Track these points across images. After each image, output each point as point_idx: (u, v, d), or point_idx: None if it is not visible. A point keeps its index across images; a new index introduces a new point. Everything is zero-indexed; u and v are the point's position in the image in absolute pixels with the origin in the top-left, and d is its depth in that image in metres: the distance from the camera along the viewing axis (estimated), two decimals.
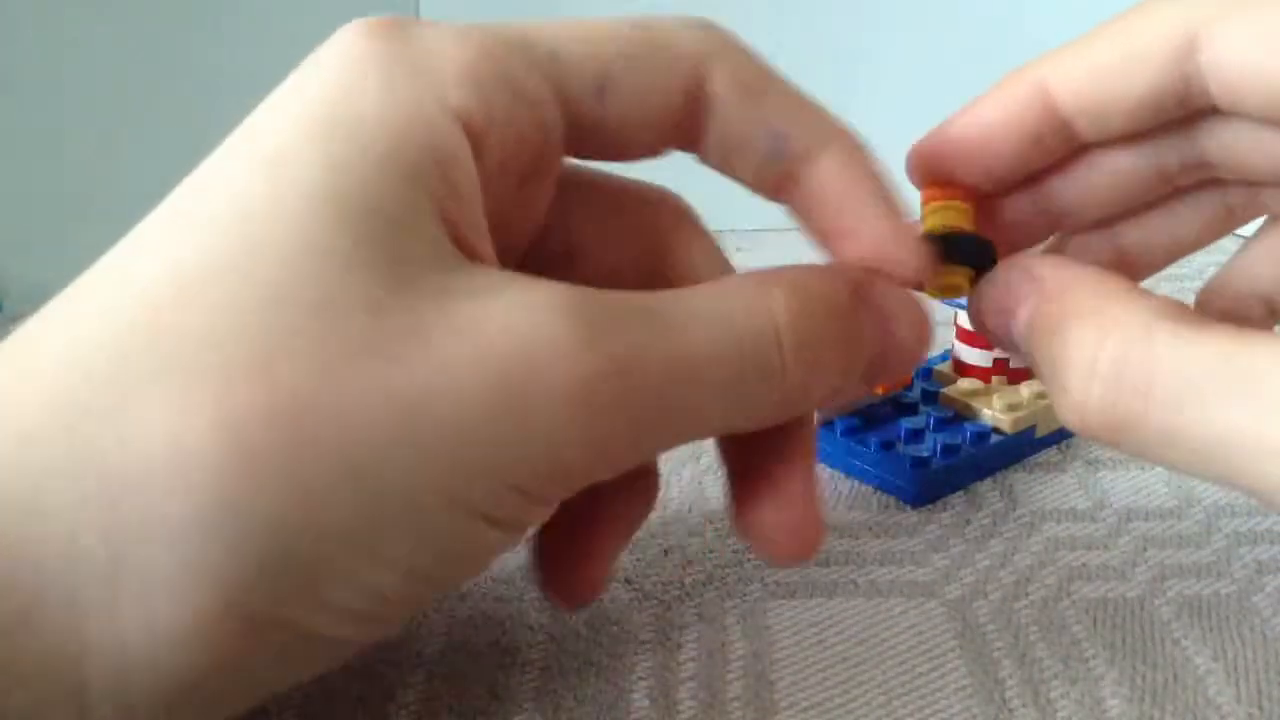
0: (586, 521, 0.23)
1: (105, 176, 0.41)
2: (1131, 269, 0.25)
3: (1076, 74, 0.22)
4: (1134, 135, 0.22)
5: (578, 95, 0.21)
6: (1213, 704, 0.23)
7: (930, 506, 0.30)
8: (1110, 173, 0.23)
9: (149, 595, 0.17)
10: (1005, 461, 0.31)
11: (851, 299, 0.21)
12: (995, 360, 0.33)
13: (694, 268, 0.24)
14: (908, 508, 0.29)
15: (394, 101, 0.19)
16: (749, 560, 0.27)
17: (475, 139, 0.20)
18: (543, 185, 0.22)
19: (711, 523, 0.29)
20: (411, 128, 0.19)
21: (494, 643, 0.25)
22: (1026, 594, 0.26)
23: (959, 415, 0.32)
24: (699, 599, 0.26)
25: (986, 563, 0.27)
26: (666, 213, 0.24)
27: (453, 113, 0.19)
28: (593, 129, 0.21)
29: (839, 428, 0.31)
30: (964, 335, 0.33)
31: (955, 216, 0.23)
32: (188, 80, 0.43)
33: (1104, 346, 0.19)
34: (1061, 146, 0.23)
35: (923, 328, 0.22)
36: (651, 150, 0.22)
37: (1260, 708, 0.22)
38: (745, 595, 0.26)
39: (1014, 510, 0.29)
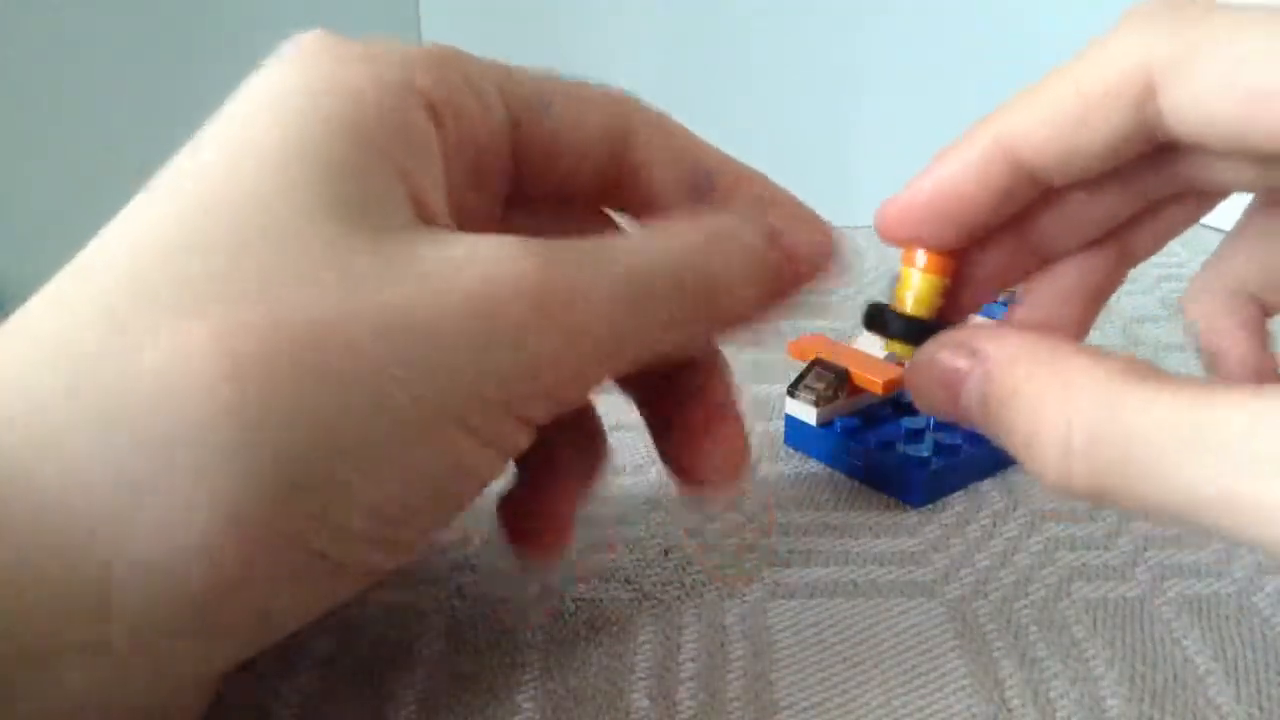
0: (545, 482, 0.25)
1: (105, 176, 0.41)
2: (1124, 260, 0.25)
3: (1038, 128, 0.22)
4: (1104, 174, 0.22)
5: (525, 105, 0.23)
6: (1213, 704, 0.23)
7: (930, 506, 0.30)
8: (1086, 206, 0.23)
9: (162, 515, 0.18)
10: (1005, 461, 0.31)
11: (766, 240, 0.24)
12: None
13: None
14: (909, 508, 0.29)
15: (352, 74, 0.21)
16: (749, 560, 0.27)
17: (434, 115, 0.21)
18: (493, 184, 0.24)
19: (711, 523, 0.29)
20: (373, 95, 0.21)
21: (494, 643, 0.25)
22: (1026, 594, 0.26)
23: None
24: (699, 599, 0.26)
25: (986, 563, 0.27)
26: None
27: (414, 86, 0.21)
28: (536, 143, 0.23)
29: (839, 427, 0.31)
30: None
31: (926, 289, 0.24)
32: (188, 80, 0.44)
33: (1074, 421, 0.19)
34: (1031, 193, 0.23)
35: (824, 243, 0.25)
36: (587, 185, 0.25)
37: (1260, 708, 0.22)
38: (745, 595, 0.26)
39: (1014, 510, 0.29)
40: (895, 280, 0.25)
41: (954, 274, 0.24)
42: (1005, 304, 0.30)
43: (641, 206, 0.25)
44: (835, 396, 0.31)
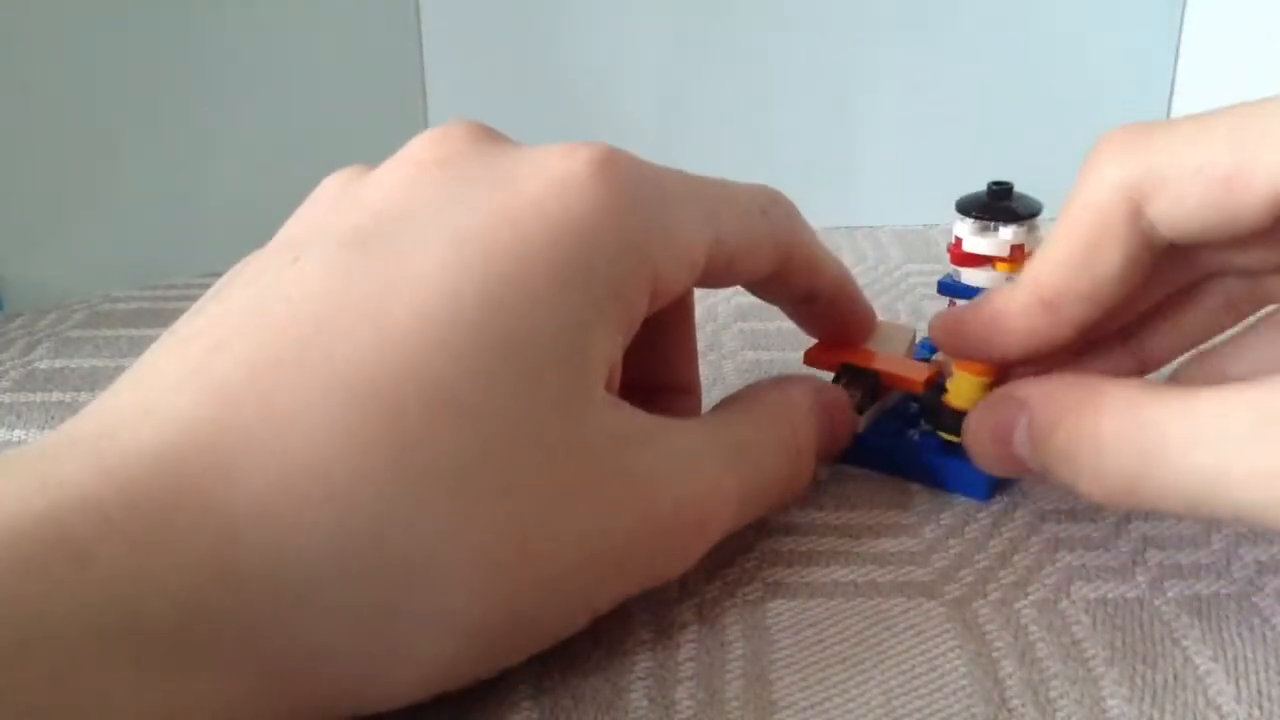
0: None
1: (105, 176, 0.41)
2: (1142, 368, 0.29)
3: (1060, 271, 0.25)
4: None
5: (718, 266, 0.25)
6: (1213, 704, 0.23)
7: (930, 507, 0.30)
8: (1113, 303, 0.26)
9: (376, 664, 0.19)
10: None
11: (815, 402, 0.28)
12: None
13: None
14: (907, 510, 0.29)
15: (619, 281, 0.22)
16: (748, 560, 0.27)
17: (654, 287, 0.23)
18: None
19: None
20: (626, 295, 0.22)
21: None
22: (1026, 594, 0.26)
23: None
24: (699, 599, 0.26)
25: (986, 563, 0.27)
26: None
27: (650, 280, 0.23)
28: (705, 277, 0.25)
29: (884, 431, 0.31)
30: None
31: (969, 388, 0.28)
32: (187, 80, 0.43)
33: (1103, 427, 0.22)
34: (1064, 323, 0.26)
35: (848, 420, 0.29)
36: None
37: (1260, 708, 0.22)
38: (745, 595, 0.26)
39: (1014, 510, 0.29)
40: (947, 379, 0.29)
41: (996, 372, 0.28)
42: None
43: (762, 294, 0.29)
44: (869, 402, 0.31)
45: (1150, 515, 0.29)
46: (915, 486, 0.30)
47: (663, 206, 0.23)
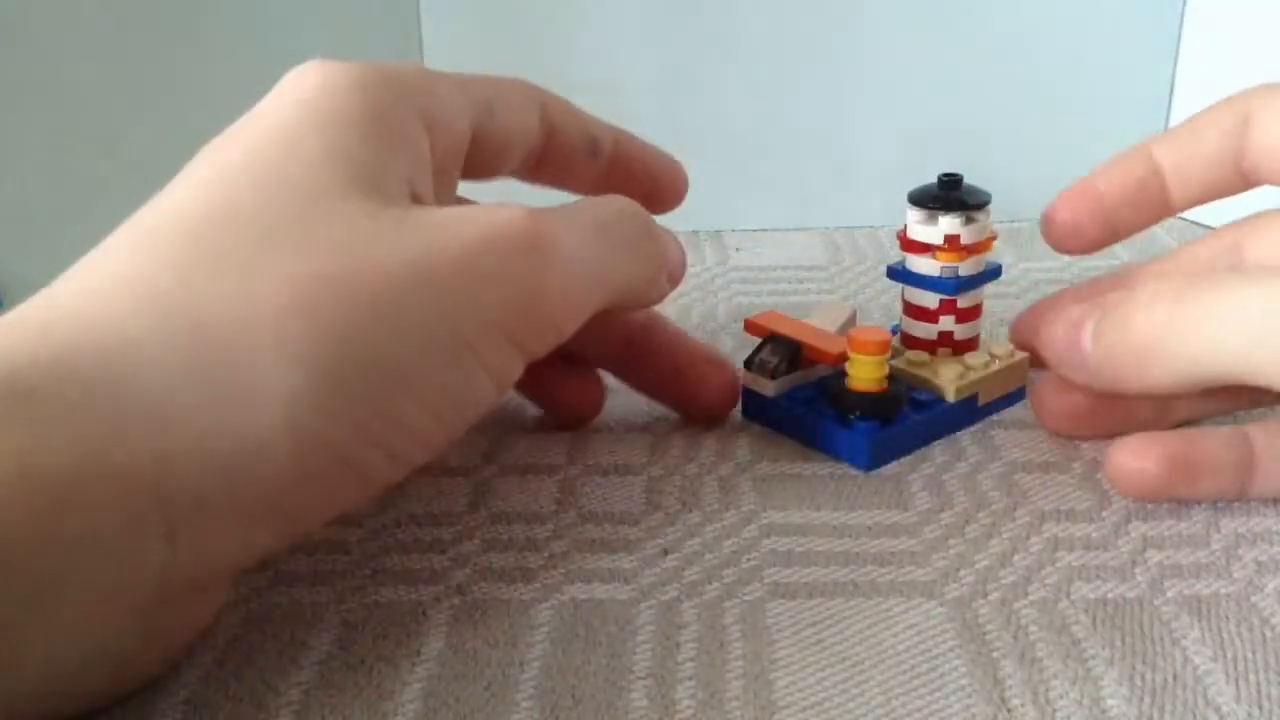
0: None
1: (105, 176, 0.41)
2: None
3: (1171, 135, 0.31)
4: (1206, 193, 0.31)
5: (478, 112, 0.28)
6: (1212, 704, 0.23)
7: (930, 506, 0.30)
8: (1175, 269, 0.32)
9: (228, 415, 0.21)
10: (950, 428, 0.33)
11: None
12: (940, 334, 0.33)
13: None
14: (907, 510, 0.29)
15: (369, 91, 0.26)
16: (749, 560, 0.27)
17: (428, 129, 0.26)
18: (452, 182, 0.29)
19: (710, 522, 0.29)
20: (390, 116, 0.26)
21: (493, 642, 0.25)
22: (1026, 594, 0.26)
23: (906, 385, 0.33)
24: (698, 599, 0.26)
25: (986, 563, 0.27)
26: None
27: (415, 105, 0.26)
28: (483, 141, 0.29)
29: (793, 397, 0.33)
30: (911, 310, 0.34)
31: (866, 369, 0.31)
32: (188, 81, 0.43)
33: (1120, 304, 0.29)
34: (1161, 201, 0.32)
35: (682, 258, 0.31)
36: (515, 169, 0.31)
37: (1260, 707, 0.22)
38: (745, 595, 0.26)
39: (1014, 510, 0.29)
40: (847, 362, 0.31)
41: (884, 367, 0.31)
42: (947, 284, 0.34)
43: (555, 172, 0.32)
44: (790, 369, 0.33)
45: (1150, 515, 0.29)
46: (915, 486, 0.30)
47: (406, 68, 0.27)
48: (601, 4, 0.48)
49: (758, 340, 0.34)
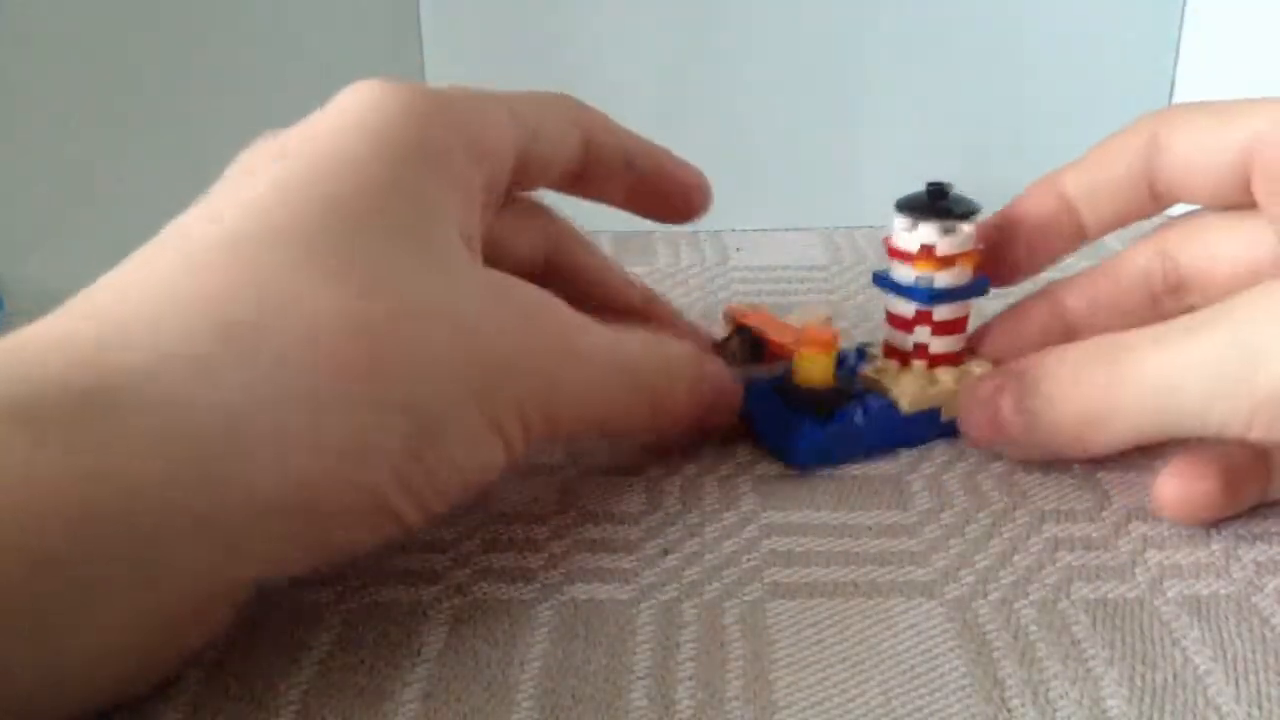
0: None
1: (105, 177, 0.41)
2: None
3: (1079, 165, 0.32)
4: (1120, 219, 0.32)
5: (523, 134, 0.29)
6: (1212, 704, 0.23)
7: (930, 506, 0.30)
8: (1107, 285, 0.32)
9: (283, 458, 0.22)
10: (907, 438, 0.32)
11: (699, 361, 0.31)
12: (916, 345, 0.33)
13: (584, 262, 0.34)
14: (907, 510, 0.29)
15: (433, 130, 0.26)
16: (749, 560, 0.27)
17: (477, 162, 0.27)
18: (495, 206, 0.29)
19: (710, 522, 0.29)
20: (447, 152, 0.26)
21: (493, 642, 0.25)
22: (1026, 594, 0.26)
23: (868, 391, 0.33)
24: (698, 599, 0.26)
25: (986, 563, 0.27)
26: (557, 223, 0.33)
27: (470, 144, 0.26)
28: (527, 163, 0.29)
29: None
30: (890, 318, 0.34)
31: (812, 366, 0.31)
32: (188, 81, 0.43)
33: (1049, 371, 0.28)
34: (1074, 231, 0.32)
35: (738, 389, 0.32)
36: (556, 181, 0.31)
37: (1260, 707, 0.22)
38: (745, 595, 0.26)
39: (1014, 510, 0.29)
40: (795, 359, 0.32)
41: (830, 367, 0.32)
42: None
43: (590, 187, 0.32)
44: (753, 359, 0.33)
45: (1150, 515, 0.29)
46: (915, 486, 0.30)
47: (458, 93, 0.28)
48: (602, 5, 0.48)
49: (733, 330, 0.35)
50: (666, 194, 0.34)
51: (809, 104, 0.51)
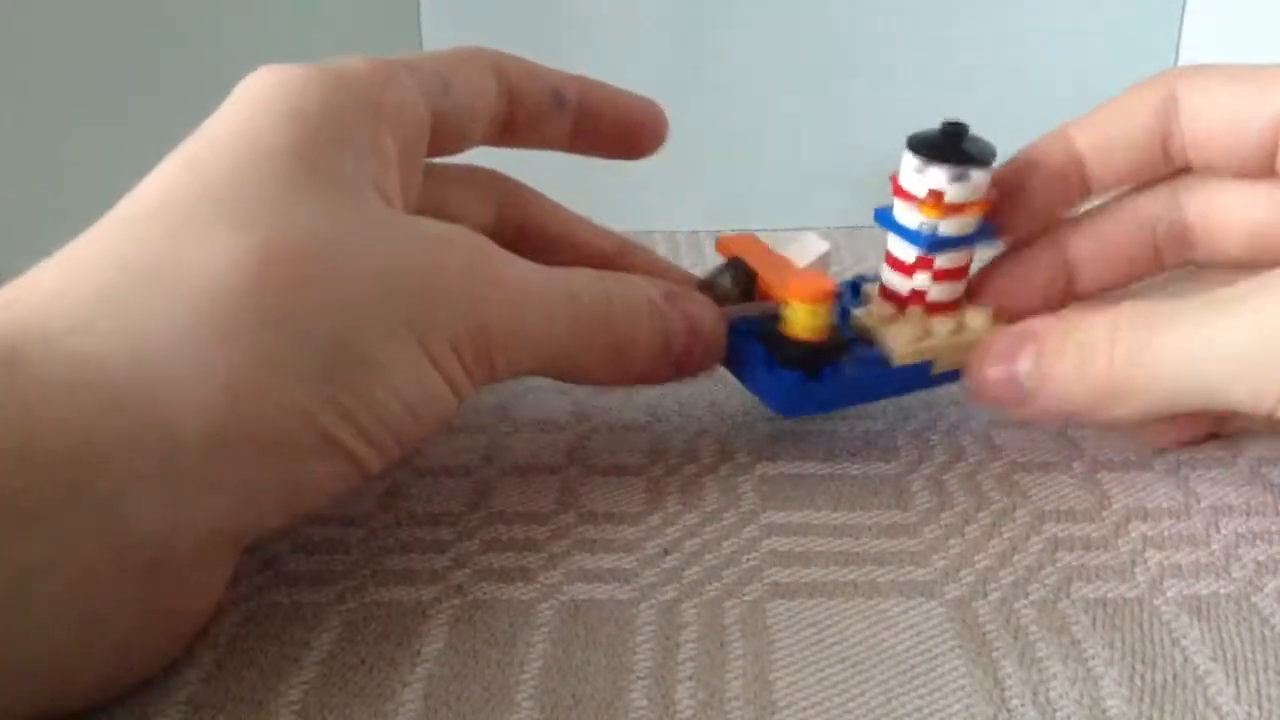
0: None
1: (105, 176, 0.41)
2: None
3: (1091, 119, 0.31)
4: (1130, 176, 0.31)
5: (433, 92, 0.28)
6: (1212, 704, 0.23)
7: (930, 506, 0.29)
8: (1111, 228, 0.32)
9: (203, 383, 0.22)
10: (896, 389, 0.32)
11: (665, 299, 0.29)
12: (913, 290, 0.31)
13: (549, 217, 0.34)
14: (907, 510, 0.29)
15: (334, 100, 0.26)
16: (749, 560, 0.27)
17: (389, 126, 0.27)
18: (418, 168, 0.29)
19: (710, 522, 0.29)
20: (348, 116, 0.26)
21: (494, 642, 0.25)
22: (1026, 594, 0.26)
23: (860, 339, 0.31)
24: (698, 599, 0.26)
25: (986, 563, 0.27)
26: (506, 183, 0.33)
27: (373, 103, 0.27)
28: (444, 119, 0.29)
29: (739, 327, 0.31)
30: (890, 259, 0.32)
31: (803, 316, 0.29)
32: (188, 81, 0.43)
33: (1120, 324, 0.27)
34: (1080, 185, 0.31)
35: (719, 329, 0.30)
36: (482, 137, 0.31)
37: (1259, 707, 0.22)
38: (745, 595, 0.26)
39: (1014, 510, 0.29)
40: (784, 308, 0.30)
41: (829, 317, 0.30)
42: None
43: (523, 133, 0.32)
44: (742, 298, 0.31)
45: (1150, 515, 0.29)
46: (915, 486, 0.30)
47: (360, 62, 0.27)
48: (602, 6, 0.48)
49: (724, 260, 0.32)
50: (608, 126, 0.33)
51: (808, 104, 0.51)
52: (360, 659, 0.24)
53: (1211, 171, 0.31)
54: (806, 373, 0.30)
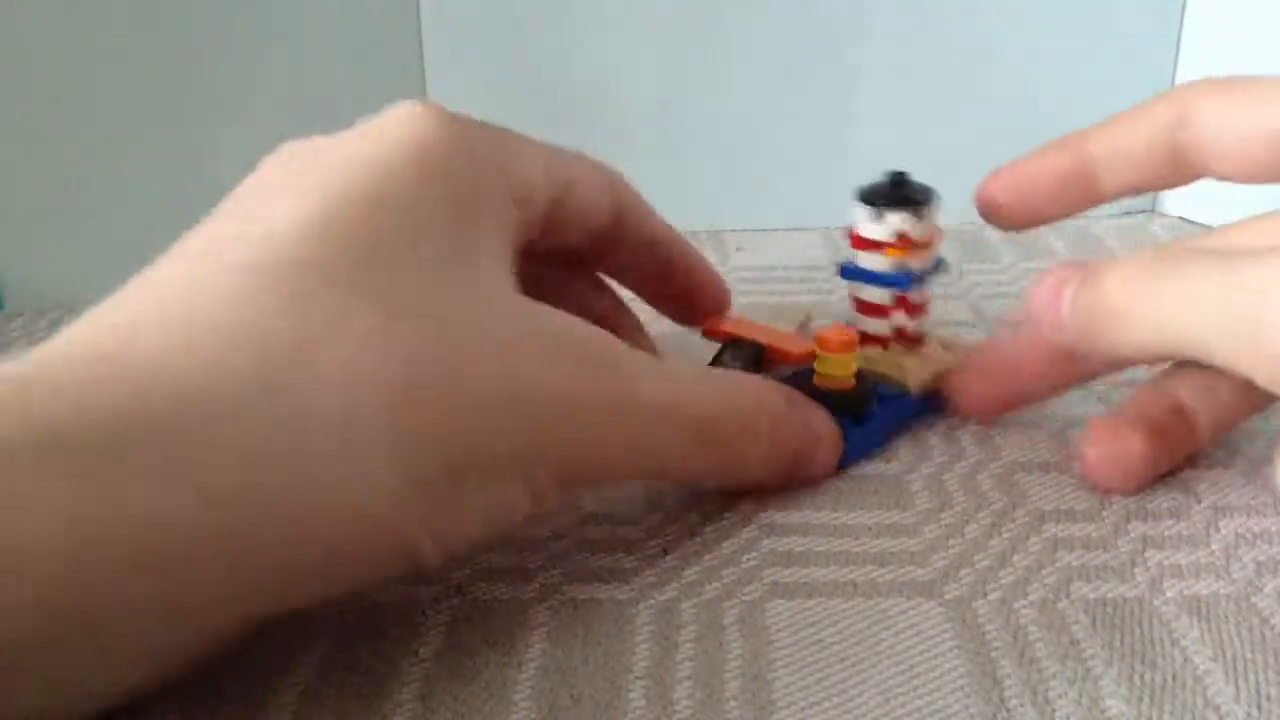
0: None
1: (105, 177, 0.41)
2: None
3: (1104, 128, 0.31)
4: (1140, 185, 0.31)
5: (557, 190, 0.28)
6: (1212, 704, 0.23)
7: (930, 506, 0.29)
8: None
9: (328, 488, 0.21)
10: (909, 420, 0.33)
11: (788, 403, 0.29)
12: (894, 329, 0.34)
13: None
14: (907, 510, 0.29)
15: (479, 164, 0.26)
16: (748, 560, 0.27)
17: (515, 202, 0.27)
18: (527, 249, 0.28)
19: (710, 522, 0.29)
20: (491, 183, 0.26)
21: (492, 642, 0.25)
22: (1026, 594, 0.26)
23: (873, 382, 0.33)
24: (697, 599, 0.26)
25: (986, 563, 0.27)
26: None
27: (510, 183, 0.26)
28: (555, 219, 0.29)
29: None
30: (864, 307, 0.34)
31: (835, 367, 0.31)
32: (187, 81, 0.43)
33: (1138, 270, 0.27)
34: (1089, 192, 0.32)
35: (836, 444, 0.30)
36: (585, 249, 0.31)
37: (1259, 707, 0.22)
38: (744, 595, 0.26)
39: (1014, 510, 0.29)
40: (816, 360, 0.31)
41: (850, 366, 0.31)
42: (903, 280, 0.33)
43: (607, 259, 0.33)
44: (754, 371, 0.33)
45: (1150, 515, 0.29)
46: (915, 486, 0.30)
47: (499, 131, 0.28)
48: (603, 5, 0.48)
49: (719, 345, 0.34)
50: (679, 285, 0.34)
51: (809, 104, 0.51)
52: (358, 659, 0.24)
53: (1222, 180, 0.31)
54: (854, 418, 0.31)
